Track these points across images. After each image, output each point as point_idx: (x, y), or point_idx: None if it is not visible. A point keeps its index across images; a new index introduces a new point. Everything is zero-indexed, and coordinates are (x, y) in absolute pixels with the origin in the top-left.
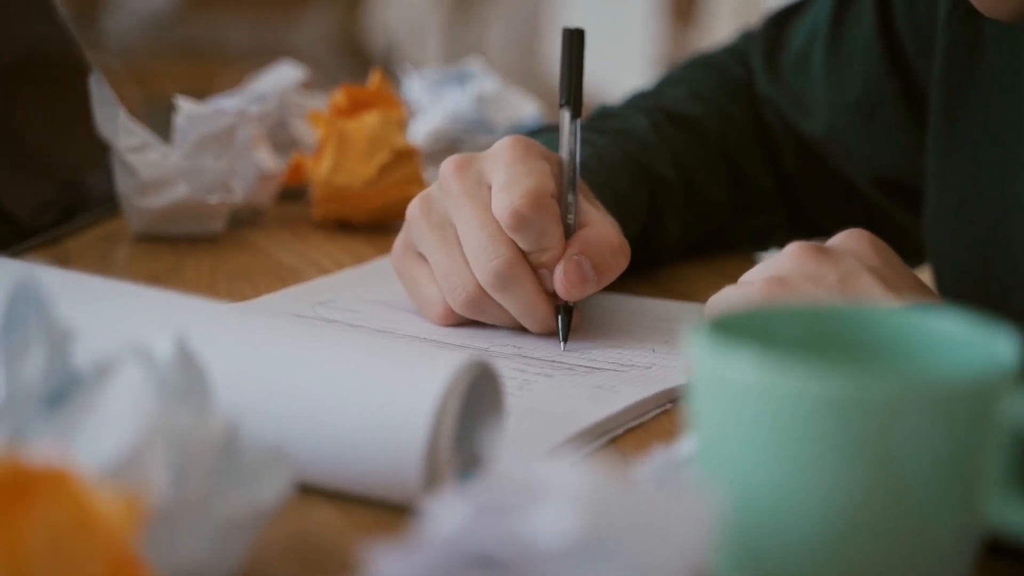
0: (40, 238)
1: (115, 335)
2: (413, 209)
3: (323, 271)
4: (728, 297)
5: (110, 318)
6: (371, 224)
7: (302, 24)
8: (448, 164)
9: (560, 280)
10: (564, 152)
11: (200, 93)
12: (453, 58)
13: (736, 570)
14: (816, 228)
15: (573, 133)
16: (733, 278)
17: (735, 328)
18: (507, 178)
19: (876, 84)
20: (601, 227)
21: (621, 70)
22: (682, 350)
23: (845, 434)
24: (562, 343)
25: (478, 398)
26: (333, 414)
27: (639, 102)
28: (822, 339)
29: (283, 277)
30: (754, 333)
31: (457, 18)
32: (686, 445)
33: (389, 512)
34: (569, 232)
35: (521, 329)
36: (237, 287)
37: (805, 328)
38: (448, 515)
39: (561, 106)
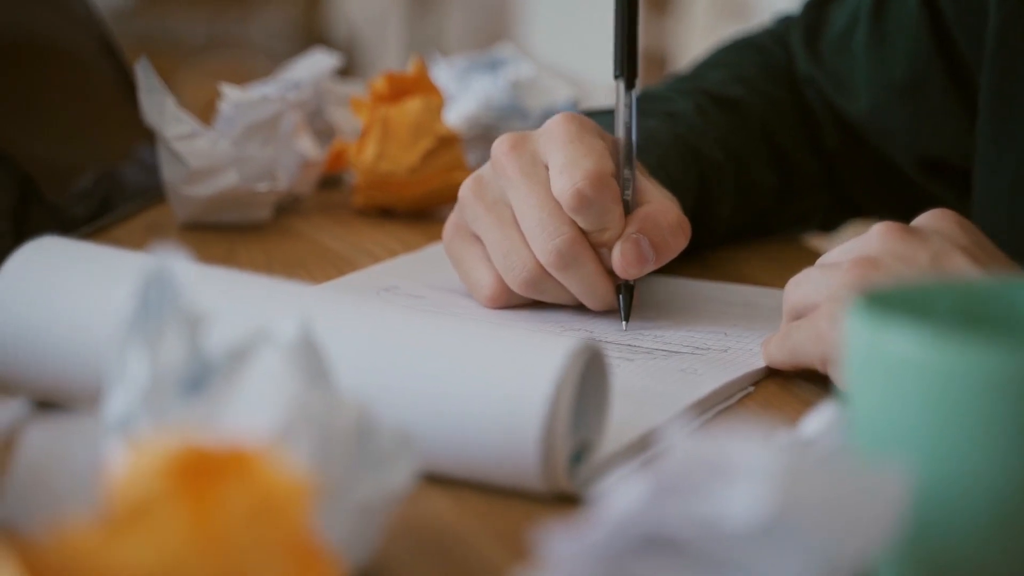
0: (86, 229)
1: (236, 322)
2: (466, 190)
3: (375, 258)
4: (811, 279)
5: (229, 304)
6: (413, 211)
7: (259, 17)
8: (501, 144)
9: (618, 260)
10: (620, 125)
11: None
12: (414, 50)
13: (897, 553)
14: (856, 210)
15: (628, 105)
16: (780, 260)
17: (883, 304)
18: (566, 158)
19: (922, 64)
20: (660, 204)
21: (597, 61)
22: (759, 332)
23: (1018, 412)
24: (623, 322)
25: (586, 383)
26: (448, 399)
27: (680, 85)
28: (974, 315)
29: (338, 265)
30: (904, 309)
31: (417, 9)
32: (811, 425)
33: (500, 498)
34: (628, 208)
35: (579, 307)
36: (294, 275)
37: (955, 304)
38: (625, 494)
39: (616, 77)
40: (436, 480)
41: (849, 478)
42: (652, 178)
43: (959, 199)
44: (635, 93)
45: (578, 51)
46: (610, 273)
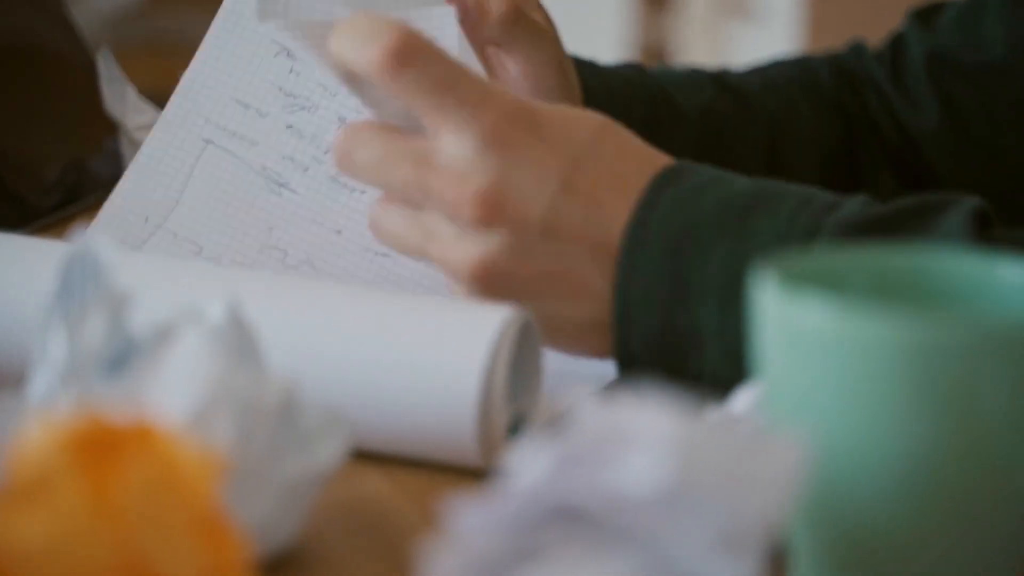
0: (48, 219)
1: (165, 302)
2: None
3: None
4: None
5: (158, 286)
6: None
7: None
8: None
9: None
10: None
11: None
12: None
13: (808, 522)
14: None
15: None
16: None
17: (798, 276)
18: None
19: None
20: None
21: (594, 55)
22: None
23: (926, 381)
24: None
25: (518, 352)
26: (383, 375)
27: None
28: (886, 287)
29: None
30: (818, 281)
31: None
32: (739, 402)
33: (436, 475)
34: None
35: None
36: None
37: (868, 276)
38: (531, 466)
39: None
40: (371, 459)
41: (749, 445)
42: None
43: None
44: None
45: (580, 47)
46: None
